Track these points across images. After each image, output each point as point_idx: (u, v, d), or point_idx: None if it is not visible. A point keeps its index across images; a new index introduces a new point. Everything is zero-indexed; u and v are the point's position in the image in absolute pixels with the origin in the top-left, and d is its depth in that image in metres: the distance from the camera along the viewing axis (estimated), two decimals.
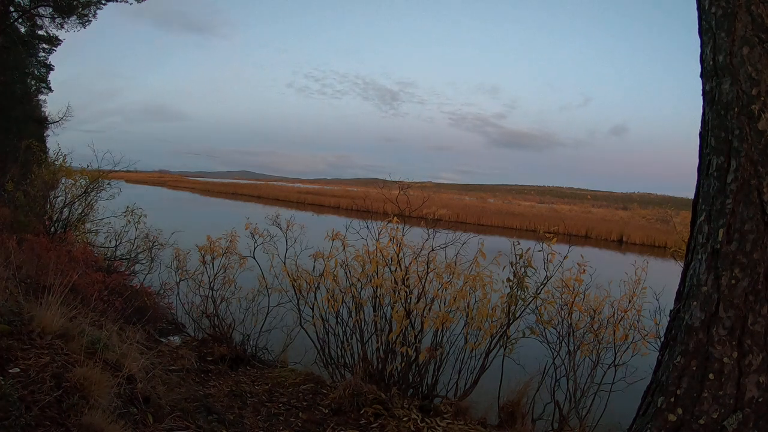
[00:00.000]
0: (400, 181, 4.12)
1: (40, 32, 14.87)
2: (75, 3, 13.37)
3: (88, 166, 7.75)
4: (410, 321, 3.51)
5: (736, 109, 1.69)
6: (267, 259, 4.20)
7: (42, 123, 16.98)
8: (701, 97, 1.86)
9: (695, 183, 1.88)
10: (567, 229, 23.37)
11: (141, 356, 2.46)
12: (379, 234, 3.77)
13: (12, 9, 12.76)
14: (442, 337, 3.57)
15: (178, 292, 4.72)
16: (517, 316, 3.52)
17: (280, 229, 4.26)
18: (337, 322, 3.84)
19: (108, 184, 7.97)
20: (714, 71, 1.77)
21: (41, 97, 18.29)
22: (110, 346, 2.44)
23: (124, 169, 8.03)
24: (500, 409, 3.44)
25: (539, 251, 3.52)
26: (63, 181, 8.16)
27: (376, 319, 3.69)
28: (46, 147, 13.12)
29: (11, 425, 1.61)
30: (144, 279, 6.66)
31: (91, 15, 13.92)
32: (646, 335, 3.38)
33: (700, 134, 1.86)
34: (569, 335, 3.48)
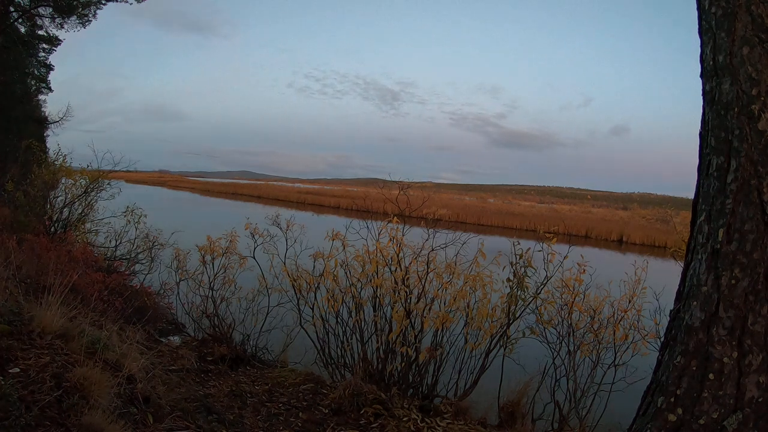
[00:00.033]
0: (400, 181, 4.12)
1: (40, 32, 14.89)
2: (75, 3, 13.37)
3: (88, 166, 7.76)
4: (410, 321, 3.51)
5: (736, 109, 1.69)
6: (267, 259, 4.20)
7: (42, 123, 16.98)
8: (701, 97, 1.86)
9: (695, 183, 1.88)
10: (567, 229, 23.37)
11: (141, 356, 2.46)
12: (379, 234, 3.77)
13: (12, 9, 12.76)
14: (442, 337, 3.57)
15: (178, 292, 4.73)
16: (517, 316, 3.52)
17: (280, 229, 4.26)
18: (337, 322, 3.84)
19: (108, 184, 7.97)
20: (714, 71, 1.77)
21: (41, 97, 18.32)
22: (110, 346, 2.44)
23: (124, 169, 8.03)
24: (500, 409, 3.44)
25: (539, 251, 3.52)
26: (63, 181, 8.16)
27: (376, 319, 3.69)
28: (46, 147, 13.13)
29: (11, 425, 1.61)
30: (144, 279, 6.66)
31: (91, 15, 13.94)
32: (646, 335, 3.38)
33: (700, 134, 1.86)
34: (569, 335, 3.48)
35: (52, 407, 1.78)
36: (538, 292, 3.50)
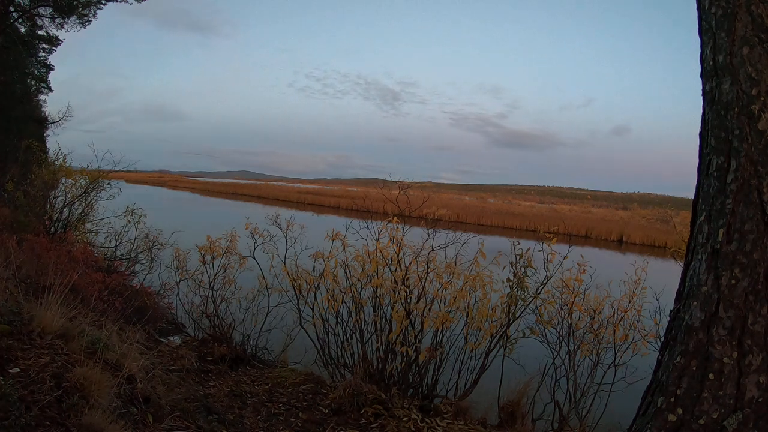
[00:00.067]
0: (400, 181, 4.12)
1: (40, 32, 14.89)
2: (75, 3, 13.37)
3: (88, 166, 7.77)
4: (410, 321, 3.51)
5: (736, 109, 1.69)
6: (267, 259, 4.20)
7: (42, 123, 16.98)
8: (701, 97, 1.86)
9: (695, 183, 1.88)
10: (567, 229, 23.37)
11: (141, 356, 2.46)
12: (379, 234, 3.77)
13: (12, 9, 12.76)
14: (442, 337, 3.57)
15: (178, 292, 4.73)
16: (517, 316, 3.52)
17: (280, 229, 4.26)
18: (337, 322, 3.84)
19: (108, 184, 7.97)
20: (714, 71, 1.77)
21: (41, 97, 18.32)
22: (110, 346, 2.44)
23: (124, 169, 8.03)
24: (500, 409, 3.44)
25: (539, 251, 3.52)
26: (63, 181, 8.17)
27: (376, 319, 3.69)
28: (46, 147, 13.13)
29: (11, 425, 1.60)
30: (144, 279, 6.66)
31: (91, 15, 13.93)
32: (646, 335, 3.38)
33: (700, 134, 1.86)
34: (569, 335, 3.48)
35: (52, 407, 1.78)
36: (538, 292, 3.50)
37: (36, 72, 16.66)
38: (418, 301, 3.58)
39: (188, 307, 4.61)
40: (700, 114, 1.86)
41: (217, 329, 4.40)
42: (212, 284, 4.47)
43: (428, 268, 3.61)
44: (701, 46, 1.85)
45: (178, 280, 4.67)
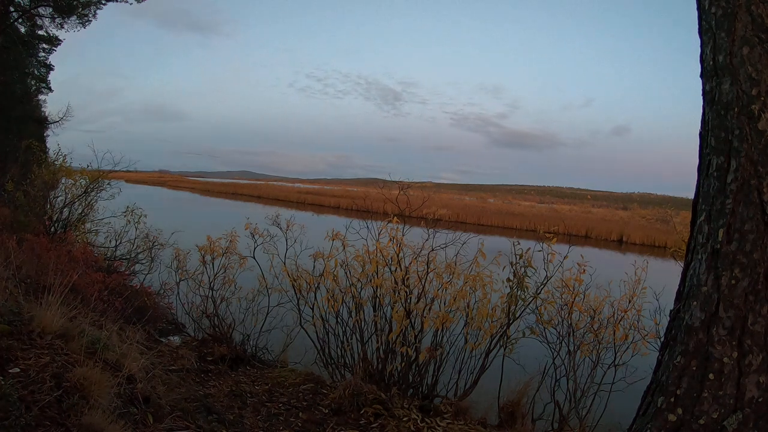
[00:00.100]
0: (400, 181, 4.12)
1: (40, 32, 14.89)
2: (75, 3, 13.38)
3: (88, 166, 7.77)
4: (410, 321, 3.51)
5: (736, 109, 1.69)
6: (267, 259, 4.20)
7: (42, 123, 16.98)
8: (701, 97, 1.86)
9: (695, 183, 1.88)
10: (567, 229, 23.37)
11: (141, 356, 2.46)
12: (379, 234, 3.77)
13: (12, 9, 12.76)
14: (442, 337, 3.57)
15: (178, 292, 4.73)
16: (517, 316, 3.52)
17: (280, 229, 4.26)
18: (337, 322, 3.84)
19: (108, 184, 7.98)
20: (714, 71, 1.77)
21: (41, 97, 18.32)
22: (110, 346, 2.44)
23: (124, 169, 8.04)
24: (500, 409, 3.44)
25: (539, 251, 3.52)
26: (63, 181, 8.17)
27: (376, 319, 3.69)
28: (46, 147, 13.14)
29: (11, 425, 1.60)
30: (144, 279, 6.66)
31: (91, 15, 13.94)
32: (646, 335, 3.38)
33: (700, 134, 1.86)
34: (569, 335, 3.48)
35: (52, 407, 1.78)
36: (538, 292, 3.50)
37: (36, 72, 16.67)
38: (418, 301, 3.58)
39: (188, 307, 4.61)
40: (700, 114, 1.86)
41: (217, 329, 4.40)
42: (212, 284, 4.47)
43: (428, 268, 3.61)
44: (701, 46, 1.85)
45: (178, 280, 4.67)
